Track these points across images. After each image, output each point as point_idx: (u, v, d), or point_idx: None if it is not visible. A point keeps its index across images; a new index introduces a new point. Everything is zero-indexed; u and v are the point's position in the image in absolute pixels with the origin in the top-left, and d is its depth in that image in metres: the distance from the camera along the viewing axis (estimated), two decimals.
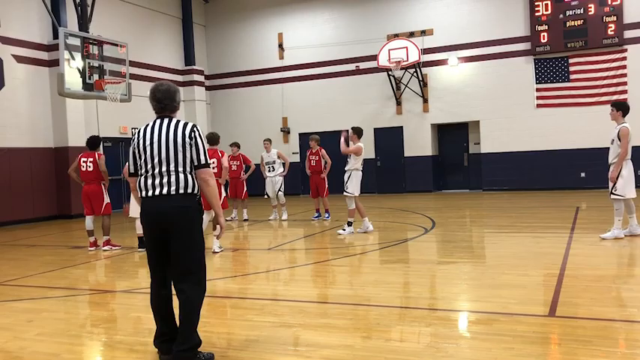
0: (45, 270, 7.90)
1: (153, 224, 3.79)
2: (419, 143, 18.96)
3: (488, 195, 17.17)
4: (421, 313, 4.96)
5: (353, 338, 4.26)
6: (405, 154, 19.18)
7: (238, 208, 13.46)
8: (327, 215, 12.48)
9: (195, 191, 3.81)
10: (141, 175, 3.86)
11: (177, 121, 3.84)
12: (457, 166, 19.24)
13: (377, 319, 4.74)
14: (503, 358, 3.66)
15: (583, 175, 16.88)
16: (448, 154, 19.37)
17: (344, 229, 10.05)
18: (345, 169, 10.14)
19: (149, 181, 3.78)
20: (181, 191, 3.74)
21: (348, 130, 10.27)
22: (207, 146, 3.90)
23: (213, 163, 8.80)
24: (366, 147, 19.40)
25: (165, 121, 3.86)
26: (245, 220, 12.98)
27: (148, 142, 3.81)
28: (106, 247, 9.44)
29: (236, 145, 13.13)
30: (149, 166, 3.79)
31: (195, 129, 3.82)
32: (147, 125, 3.91)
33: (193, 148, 3.77)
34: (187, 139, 3.77)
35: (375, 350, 3.95)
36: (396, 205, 14.89)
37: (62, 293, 6.42)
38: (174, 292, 3.88)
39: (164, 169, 3.75)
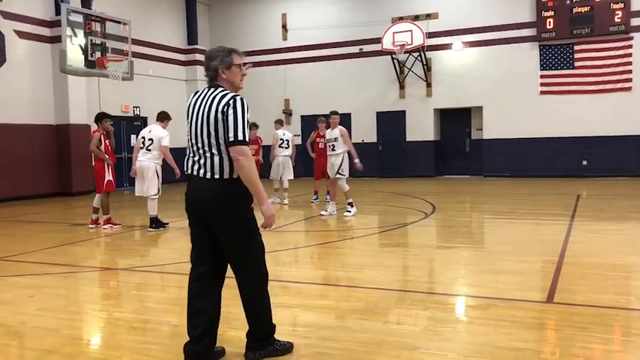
0: (45, 246, 7.93)
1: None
2: (421, 128, 18.91)
3: (488, 181, 17.16)
4: (419, 296, 4.99)
5: (351, 320, 4.28)
6: (407, 139, 19.14)
7: None
8: (327, 197, 12.46)
9: (234, 176, 3.37)
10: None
11: (218, 93, 3.39)
12: (459, 151, 19.20)
13: (375, 302, 4.76)
14: (501, 343, 3.69)
15: (585, 162, 16.85)
16: (450, 140, 19.31)
17: (349, 211, 10.15)
18: (337, 152, 10.15)
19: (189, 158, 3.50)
20: (216, 176, 3.35)
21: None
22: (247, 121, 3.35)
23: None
24: (368, 130, 19.57)
25: (210, 91, 3.44)
26: None
27: (190, 112, 3.48)
28: (106, 226, 9.43)
29: None
30: (192, 141, 3.47)
31: (231, 102, 3.33)
32: (197, 92, 3.53)
33: (225, 123, 3.31)
34: (220, 114, 3.32)
35: (372, 332, 3.98)
36: (397, 190, 14.88)
37: (63, 270, 6.45)
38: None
39: (199, 145, 3.41)
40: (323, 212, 10.42)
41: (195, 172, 3.41)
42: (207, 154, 3.37)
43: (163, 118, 9.33)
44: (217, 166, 3.34)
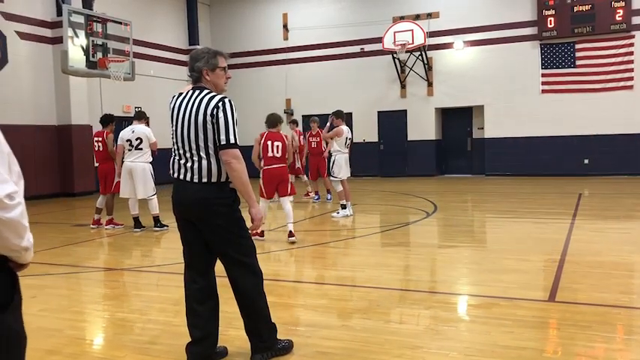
0: (48, 247, 7.94)
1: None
2: (422, 127, 18.90)
3: (490, 180, 17.14)
4: (421, 295, 4.99)
5: (353, 319, 4.29)
6: (409, 138, 19.13)
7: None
8: (328, 196, 12.49)
9: (222, 179, 3.36)
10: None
11: (204, 95, 3.32)
12: (460, 150, 19.18)
13: (377, 301, 4.76)
14: (503, 342, 3.69)
15: (586, 161, 16.83)
16: (451, 139, 19.30)
17: (338, 212, 10.04)
18: (331, 152, 10.24)
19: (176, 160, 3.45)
20: (204, 180, 3.31)
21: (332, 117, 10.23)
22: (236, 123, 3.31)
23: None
24: (370, 130, 19.56)
25: (196, 93, 3.36)
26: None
27: (174, 115, 3.41)
28: (108, 227, 9.46)
29: None
30: (178, 144, 3.41)
31: (220, 104, 3.26)
32: (181, 94, 3.46)
33: (215, 126, 3.25)
34: (209, 117, 3.25)
35: (374, 332, 3.98)
36: (399, 189, 14.88)
37: (65, 270, 6.46)
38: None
39: (186, 149, 3.36)
40: (334, 214, 10.10)
41: (182, 176, 3.38)
42: (195, 158, 3.32)
43: (141, 117, 9.21)
44: (205, 169, 3.31)
